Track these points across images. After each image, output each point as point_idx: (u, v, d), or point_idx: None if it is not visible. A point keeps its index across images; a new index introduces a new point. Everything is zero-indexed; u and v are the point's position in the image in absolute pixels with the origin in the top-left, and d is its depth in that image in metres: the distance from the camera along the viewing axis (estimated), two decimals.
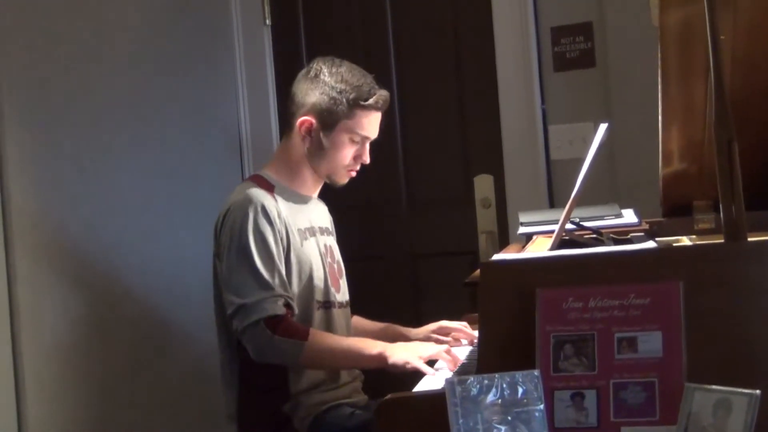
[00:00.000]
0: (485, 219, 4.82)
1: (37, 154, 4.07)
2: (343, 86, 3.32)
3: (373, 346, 3.18)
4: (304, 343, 3.11)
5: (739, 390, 1.83)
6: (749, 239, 2.29)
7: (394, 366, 3.09)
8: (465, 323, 3.50)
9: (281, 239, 3.24)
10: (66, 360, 4.14)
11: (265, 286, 3.15)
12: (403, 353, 3.11)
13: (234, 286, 3.19)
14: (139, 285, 4.52)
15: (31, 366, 3.97)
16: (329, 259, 3.44)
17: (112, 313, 4.38)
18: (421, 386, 2.88)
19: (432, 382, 2.91)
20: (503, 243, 4.66)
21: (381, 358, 3.13)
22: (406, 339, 3.49)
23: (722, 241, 2.31)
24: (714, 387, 1.87)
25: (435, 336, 3.49)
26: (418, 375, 3.03)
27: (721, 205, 2.28)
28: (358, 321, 3.65)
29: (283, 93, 5.16)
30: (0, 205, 3.91)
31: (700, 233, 3.16)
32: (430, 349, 3.14)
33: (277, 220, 3.24)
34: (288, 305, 3.17)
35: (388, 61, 5.02)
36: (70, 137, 4.22)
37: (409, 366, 3.07)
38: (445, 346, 3.18)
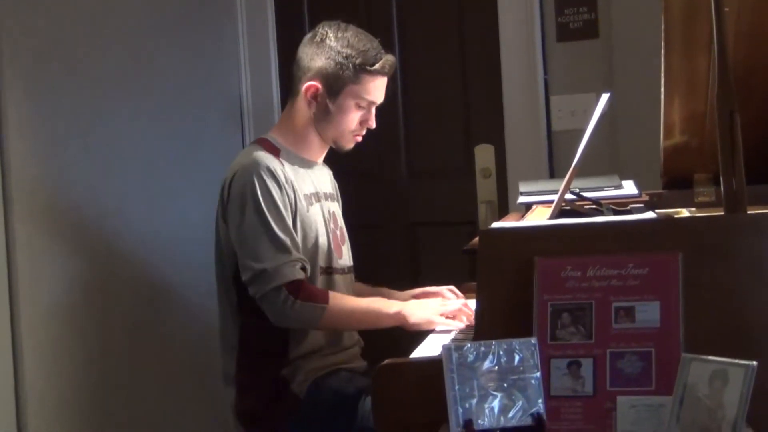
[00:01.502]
0: (485, 189, 4.82)
1: (37, 119, 4.07)
2: (349, 51, 3.31)
3: (391, 306, 3.23)
4: (326, 307, 3.15)
5: (736, 361, 1.84)
6: (749, 212, 2.29)
7: (416, 326, 3.16)
8: (452, 287, 3.51)
9: (290, 203, 3.25)
10: (64, 323, 4.14)
11: (283, 249, 3.16)
12: (422, 312, 3.18)
13: (250, 250, 3.19)
14: (139, 249, 4.53)
15: (29, 329, 3.98)
16: (332, 225, 3.45)
17: (110, 276, 4.39)
18: (418, 352, 2.89)
19: (430, 347, 2.93)
20: (503, 213, 4.67)
21: (400, 316, 3.18)
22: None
23: (722, 213, 2.31)
24: (711, 358, 1.87)
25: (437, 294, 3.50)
26: (419, 340, 3.06)
27: (721, 178, 2.29)
28: (360, 287, 3.68)
29: (285, 58, 5.16)
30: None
31: (700, 206, 3.16)
32: (450, 305, 3.17)
33: (285, 184, 3.25)
34: (304, 268, 3.20)
35: (390, 28, 5.00)
36: (71, 101, 4.22)
37: (432, 326, 3.15)
38: (461, 302, 3.22)
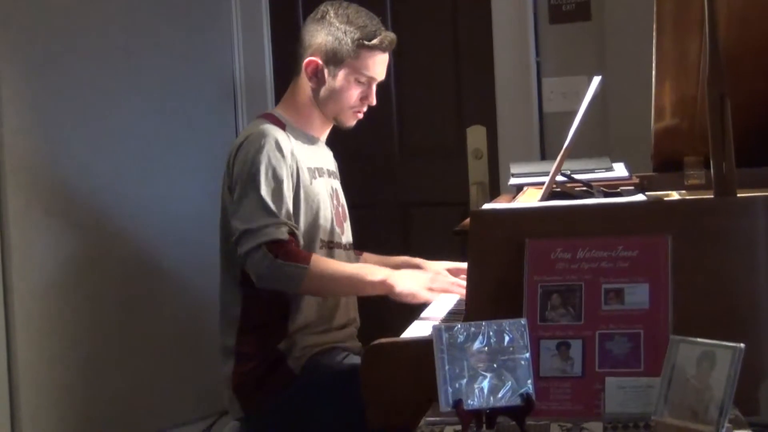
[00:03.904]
0: (477, 170, 4.83)
1: (31, 96, 4.09)
2: (348, 27, 3.34)
3: (376, 272, 3.21)
4: (307, 268, 3.13)
5: (724, 343, 1.84)
6: (739, 195, 2.31)
7: (400, 295, 3.15)
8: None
9: (292, 174, 3.27)
10: (56, 299, 4.17)
11: (270, 213, 3.17)
12: (410, 283, 3.16)
13: (240, 213, 3.21)
14: (132, 226, 4.55)
15: (22, 304, 4.01)
16: (335, 202, 3.47)
17: (103, 253, 4.41)
18: (409, 332, 2.90)
19: (421, 328, 2.94)
20: (494, 194, 4.68)
21: (385, 285, 3.16)
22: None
23: (712, 196, 2.32)
24: (699, 339, 1.88)
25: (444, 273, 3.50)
26: (412, 320, 3.07)
27: (711, 160, 2.30)
28: (370, 257, 3.70)
29: (278, 36, 5.16)
30: None
31: (690, 189, 3.17)
32: (441, 281, 3.17)
33: (290, 156, 3.27)
34: (292, 233, 3.20)
35: (384, 9, 5.00)
36: (65, 79, 4.24)
37: (416, 299, 3.14)
38: (451, 280, 3.21)
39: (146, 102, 4.64)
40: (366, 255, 3.70)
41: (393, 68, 4.82)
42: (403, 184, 5.09)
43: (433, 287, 3.16)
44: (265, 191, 3.19)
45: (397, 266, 3.50)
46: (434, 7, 5.01)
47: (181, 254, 4.73)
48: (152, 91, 4.68)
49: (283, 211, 3.20)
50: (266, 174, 3.21)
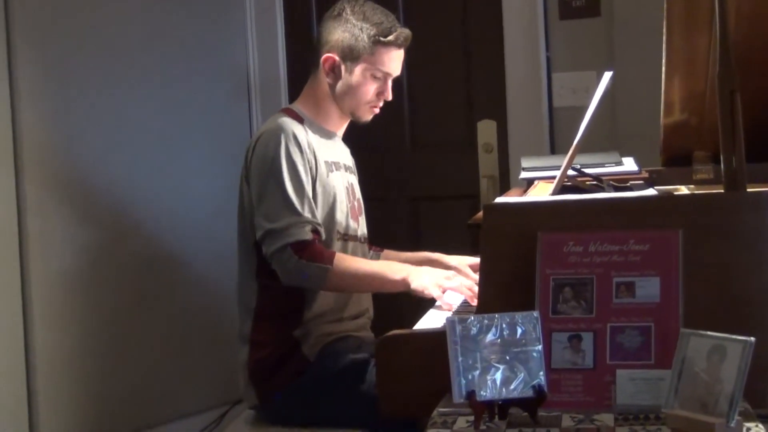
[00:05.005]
0: (487, 163, 4.85)
1: (47, 88, 4.12)
2: (364, 24, 3.40)
3: (397, 271, 3.28)
4: (330, 267, 3.20)
5: (734, 336, 1.86)
6: (748, 190, 2.32)
7: (414, 291, 3.20)
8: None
9: (311, 168, 3.31)
10: (73, 288, 4.20)
11: (294, 211, 3.23)
12: (424, 279, 3.21)
13: (264, 210, 3.27)
14: (146, 217, 4.58)
15: (39, 294, 4.04)
16: (351, 197, 3.51)
17: (118, 243, 4.44)
18: (422, 324, 2.92)
19: (433, 320, 2.96)
20: (504, 188, 4.70)
21: (404, 282, 3.23)
22: (442, 266, 3.52)
23: (722, 190, 2.34)
24: (709, 333, 1.90)
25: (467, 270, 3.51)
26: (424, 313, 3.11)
27: (721, 155, 2.31)
28: (391, 254, 3.74)
29: (291, 30, 5.18)
30: (11, 136, 3.96)
31: (698, 183, 3.18)
32: (454, 281, 3.21)
33: (307, 150, 3.32)
34: (315, 231, 3.25)
35: (395, 5, 5.01)
36: (81, 73, 4.27)
37: (426, 292, 3.18)
38: (469, 282, 3.24)
39: (160, 96, 4.67)
40: (387, 252, 3.74)
41: (405, 63, 4.85)
42: (413, 178, 5.11)
43: (444, 285, 3.19)
44: (288, 187, 3.24)
45: (418, 262, 3.55)
46: (445, 3, 5.02)
47: (195, 246, 4.76)
48: (166, 86, 4.71)
49: (306, 207, 3.24)
50: (287, 169, 3.26)
